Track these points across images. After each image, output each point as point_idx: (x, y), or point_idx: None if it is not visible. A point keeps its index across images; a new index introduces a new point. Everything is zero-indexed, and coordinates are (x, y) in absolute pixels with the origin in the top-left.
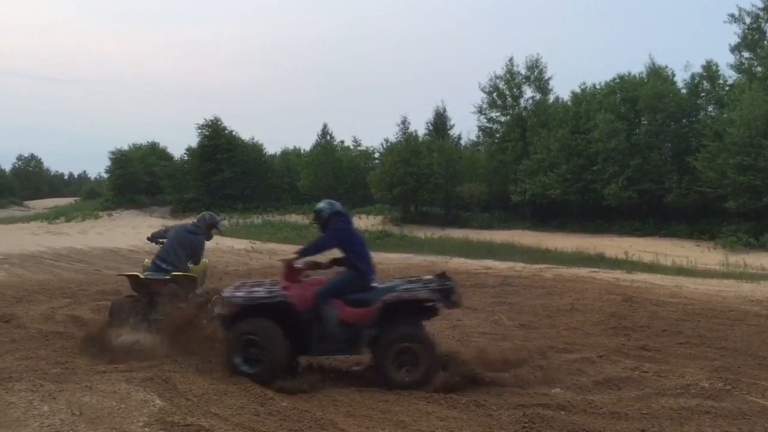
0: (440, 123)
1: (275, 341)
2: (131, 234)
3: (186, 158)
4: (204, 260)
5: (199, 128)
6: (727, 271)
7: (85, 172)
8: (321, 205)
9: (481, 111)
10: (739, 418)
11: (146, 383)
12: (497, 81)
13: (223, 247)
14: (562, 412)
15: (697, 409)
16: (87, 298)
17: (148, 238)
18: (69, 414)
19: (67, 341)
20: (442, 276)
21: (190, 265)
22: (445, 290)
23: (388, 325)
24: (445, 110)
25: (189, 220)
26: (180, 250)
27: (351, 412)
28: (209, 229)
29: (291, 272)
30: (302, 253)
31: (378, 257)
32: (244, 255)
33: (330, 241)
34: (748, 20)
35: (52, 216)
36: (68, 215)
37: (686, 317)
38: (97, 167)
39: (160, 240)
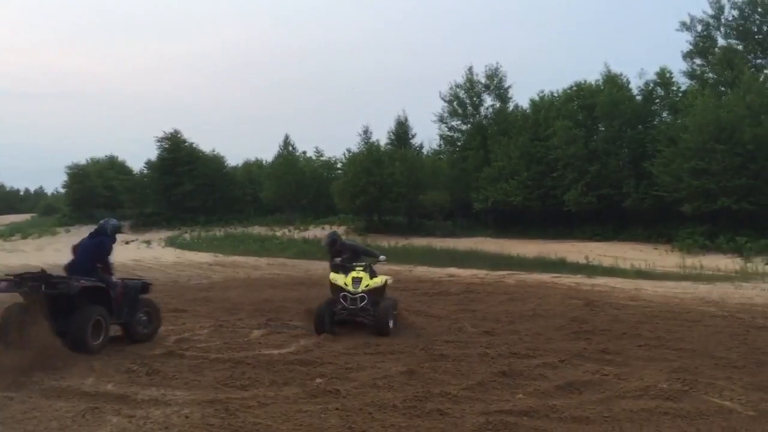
0: (402, 132)
1: None
2: None
3: (146, 172)
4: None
5: (159, 141)
6: (684, 273)
7: (41, 187)
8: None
9: (441, 120)
10: (697, 418)
11: (100, 401)
12: (457, 90)
13: (184, 261)
14: (525, 418)
15: (656, 411)
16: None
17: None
18: None
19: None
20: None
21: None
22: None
23: None
24: (406, 119)
25: (150, 235)
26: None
27: (314, 425)
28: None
29: None
30: None
31: None
32: (207, 268)
33: None
34: (699, 28)
35: (8, 233)
36: (24, 232)
37: (645, 320)
38: (53, 183)
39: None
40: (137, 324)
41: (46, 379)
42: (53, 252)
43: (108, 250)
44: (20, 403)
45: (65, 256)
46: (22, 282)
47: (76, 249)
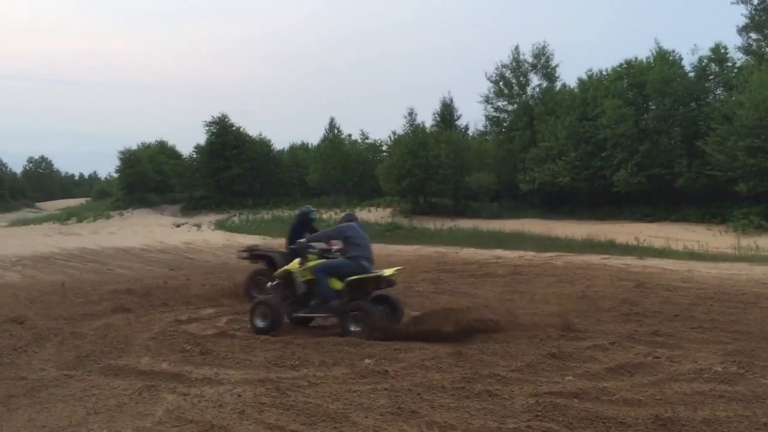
0: (447, 114)
1: None
2: (143, 233)
3: (195, 156)
4: None
5: (207, 126)
6: (739, 254)
7: (95, 172)
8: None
9: (487, 100)
10: (753, 402)
11: (156, 379)
12: (503, 70)
13: (234, 243)
14: (575, 400)
15: (710, 394)
16: (100, 298)
17: (298, 248)
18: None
19: (78, 341)
20: None
21: None
22: None
23: None
24: (451, 101)
25: (200, 218)
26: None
27: (363, 404)
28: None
29: None
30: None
31: (389, 249)
32: None
33: None
34: (755, 1)
35: (64, 217)
36: (80, 216)
37: (698, 302)
38: (107, 167)
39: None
40: None
41: (104, 358)
42: (107, 235)
43: (293, 230)
44: (79, 381)
45: (119, 239)
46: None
47: None
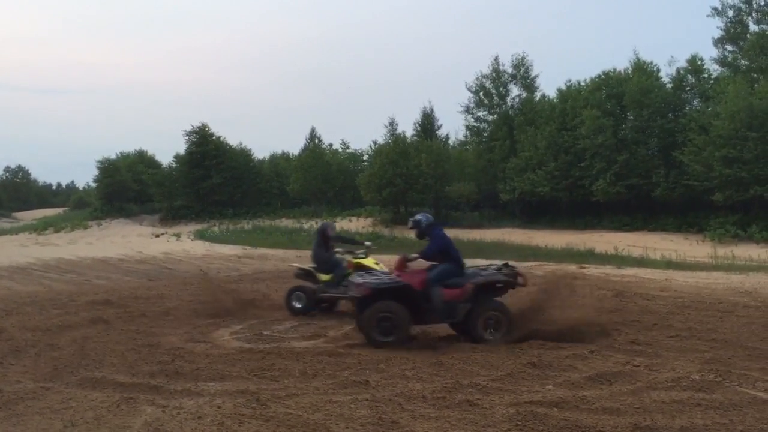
0: (428, 123)
1: (403, 315)
2: (121, 243)
3: (174, 165)
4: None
5: (187, 135)
6: (715, 263)
7: (73, 182)
8: (419, 217)
9: (468, 110)
10: (731, 410)
11: (134, 391)
12: (483, 80)
13: (213, 254)
14: (555, 409)
15: (688, 402)
16: (78, 309)
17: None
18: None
19: (56, 352)
20: (507, 265)
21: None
22: (513, 274)
23: (477, 300)
24: (432, 111)
25: (179, 228)
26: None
27: (344, 415)
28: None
29: (401, 265)
30: (423, 256)
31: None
32: (236, 261)
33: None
34: (730, 13)
35: (41, 227)
36: (57, 226)
37: (676, 310)
38: (85, 177)
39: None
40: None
41: (81, 370)
42: (85, 245)
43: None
44: (56, 393)
45: (97, 249)
46: None
47: None
